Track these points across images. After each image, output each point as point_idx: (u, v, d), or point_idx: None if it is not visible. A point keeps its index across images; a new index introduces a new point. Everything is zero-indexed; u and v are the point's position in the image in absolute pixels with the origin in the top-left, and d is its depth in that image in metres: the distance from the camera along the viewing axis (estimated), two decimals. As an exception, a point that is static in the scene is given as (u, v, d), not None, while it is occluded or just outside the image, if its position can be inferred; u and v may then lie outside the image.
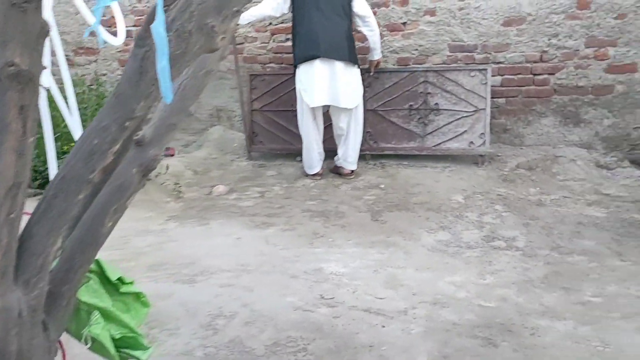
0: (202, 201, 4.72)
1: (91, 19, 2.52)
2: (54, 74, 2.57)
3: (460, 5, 5.22)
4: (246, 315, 3.00)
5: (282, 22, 5.66)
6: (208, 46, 1.28)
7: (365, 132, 5.17)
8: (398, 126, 5.22)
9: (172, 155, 5.63)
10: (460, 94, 5.05)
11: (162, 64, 1.03)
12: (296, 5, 4.80)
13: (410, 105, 5.17)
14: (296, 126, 5.05)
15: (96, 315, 1.60)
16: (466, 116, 5.06)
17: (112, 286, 1.70)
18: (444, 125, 5.13)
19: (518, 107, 5.34)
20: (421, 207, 4.34)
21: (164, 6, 1.22)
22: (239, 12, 1.30)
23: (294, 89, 4.92)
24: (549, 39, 5.13)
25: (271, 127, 5.51)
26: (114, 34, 2.84)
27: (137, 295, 1.77)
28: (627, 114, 5.10)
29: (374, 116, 5.25)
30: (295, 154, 5.36)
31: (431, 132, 5.16)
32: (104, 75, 6.26)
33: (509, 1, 5.13)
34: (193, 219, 4.37)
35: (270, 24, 5.70)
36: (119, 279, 1.71)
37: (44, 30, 1.10)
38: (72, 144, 4.98)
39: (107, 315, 1.65)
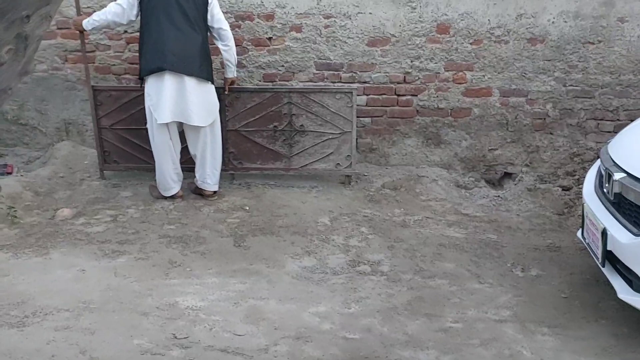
0: (43, 227, 4.18)
1: None
2: None
3: (326, 23, 5.16)
4: (84, 364, 2.63)
5: (137, 31, 5.25)
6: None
7: (228, 153, 4.91)
8: (263, 147, 5.03)
9: (10, 173, 4.98)
10: (326, 116, 4.96)
11: None
12: (144, 13, 4.36)
13: (275, 126, 4.99)
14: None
15: None
16: (332, 138, 4.98)
17: None
18: (310, 147, 5.01)
19: (383, 127, 5.37)
20: (287, 230, 4.16)
21: None
22: (29, 18, 1.01)
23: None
24: (412, 61, 5.22)
25: (125, 145, 5.04)
26: None
27: None
28: (483, 135, 5.32)
29: (237, 136, 4.99)
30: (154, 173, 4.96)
31: (297, 153, 5.04)
32: None
33: (374, 21, 5.15)
34: (30, 248, 3.84)
35: (125, 31, 5.27)
36: None
37: None
38: None
39: None
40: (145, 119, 4.56)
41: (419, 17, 5.13)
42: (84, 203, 4.64)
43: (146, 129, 4.60)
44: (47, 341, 2.76)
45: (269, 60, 5.27)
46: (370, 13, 5.15)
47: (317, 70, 5.26)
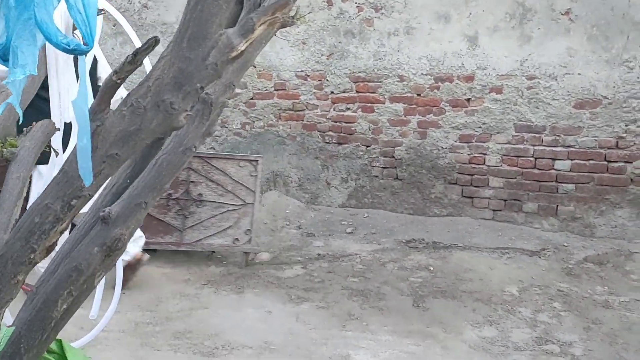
0: (243, 269, 4.59)
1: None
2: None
3: (529, 84, 4.97)
4: (257, 402, 2.79)
5: (343, 92, 5.63)
6: (167, 124, 1.16)
7: None
8: (152, 217, 4.42)
9: (223, 217, 5.59)
10: (227, 185, 4.59)
11: (83, 142, 0.91)
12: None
13: (169, 194, 4.50)
14: None
15: (46, 404, 1.45)
16: (232, 210, 4.61)
17: (73, 371, 1.55)
18: (207, 219, 4.59)
19: (590, 195, 4.93)
20: (470, 296, 3.99)
21: (117, 79, 1.12)
22: (202, 90, 1.18)
23: None
24: (627, 125, 4.75)
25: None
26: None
27: (103, 383, 1.61)
28: None
29: None
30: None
31: (192, 226, 4.57)
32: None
33: (583, 82, 4.83)
34: (229, 285, 4.24)
35: (332, 92, 5.68)
36: (81, 363, 1.56)
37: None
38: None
39: (62, 404, 1.50)
40: None
41: (637, 77, 4.68)
42: (280, 249, 5.00)
43: None
44: (229, 374, 3.00)
45: (466, 122, 5.23)
46: (579, 74, 4.85)
47: (516, 132, 5.07)
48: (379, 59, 5.47)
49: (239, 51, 1.14)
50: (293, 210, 5.71)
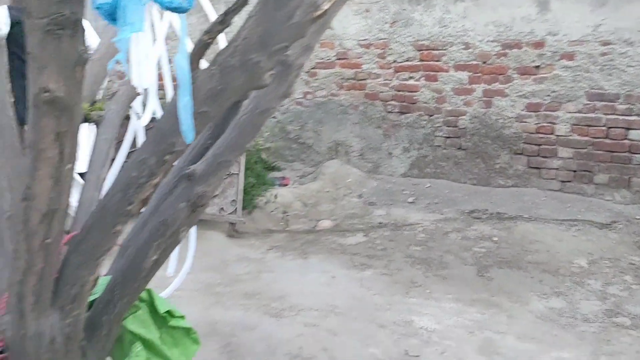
0: (306, 234, 4.69)
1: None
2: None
3: (603, 50, 4.76)
4: (324, 361, 2.88)
5: (406, 60, 5.56)
6: (253, 82, 1.21)
7: None
8: None
9: (286, 185, 5.69)
10: None
11: (184, 100, 0.96)
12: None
13: None
14: None
15: (138, 347, 1.56)
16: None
17: (161, 318, 1.66)
18: None
19: (665, 166, 4.71)
20: (536, 267, 3.93)
21: (208, 39, 1.17)
22: (287, 48, 1.21)
23: None
24: None
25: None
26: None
27: (187, 331, 1.71)
28: None
29: None
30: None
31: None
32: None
33: (662, 47, 4.59)
34: (294, 251, 4.35)
35: (395, 60, 5.62)
36: (168, 311, 1.66)
37: (83, 59, 1.09)
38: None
39: (151, 348, 1.61)
40: None
41: None
42: (342, 217, 5.06)
43: None
44: (298, 334, 3.10)
45: (534, 90, 5.07)
46: (658, 38, 4.60)
47: (587, 100, 4.88)
48: (444, 26, 5.35)
49: (323, 10, 1.17)
50: (354, 179, 5.74)
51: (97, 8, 0.99)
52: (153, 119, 4.56)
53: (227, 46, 1.17)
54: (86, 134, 2.88)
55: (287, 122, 6.32)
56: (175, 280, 2.78)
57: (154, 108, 2.50)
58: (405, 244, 4.39)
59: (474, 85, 5.30)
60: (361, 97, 5.88)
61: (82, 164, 2.01)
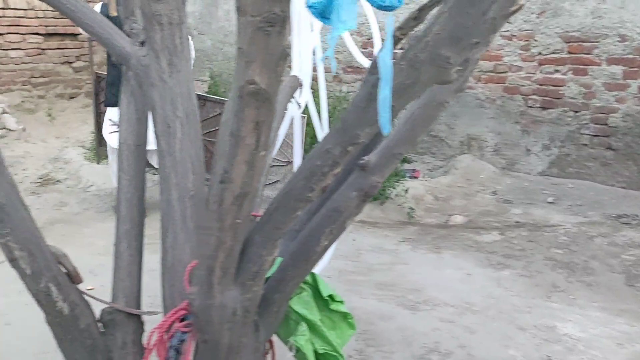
0: (438, 228, 4.64)
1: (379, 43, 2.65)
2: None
3: None
4: (462, 357, 2.86)
5: (553, 52, 5.28)
6: (440, 77, 1.22)
7: None
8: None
9: (417, 177, 5.65)
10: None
11: (385, 93, 1.00)
12: None
13: None
14: None
15: (303, 326, 1.65)
16: (279, 165, 4.68)
17: (323, 302, 1.73)
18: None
19: None
20: (696, 280, 3.60)
21: (401, 35, 1.20)
22: (478, 44, 1.21)
23: None
24: None
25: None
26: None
27: (345, 316, 1.78)
28: None
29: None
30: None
31: None
32: (367, 94, 6.60)
33: None
34: (426, 245, 4.32)
35: (540, 53, 5.35)
36: (330, 296, 1.74)
37: (285, 53, 1.16)
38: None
39: (313, 328, 1.69)
40: None
41: None
42: (475, 213, 4.94)
43: None
44: (433, 328, 3.09)
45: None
46: None
47: None
48: (598, 16, 5.01)
49: (519, 5, 1.15)
50: (488, 175, 5.58)
51: (309, 7, 1.05)
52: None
53: (417, 41, 1.19)
54: None
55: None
56: (319, 263, 2.88)
57: (307, 98, 2.61)
58: (545, 246, 4.20)
59: (628, 81, 4.93)
60: (499, 91, 5.69)
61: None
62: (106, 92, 4.93)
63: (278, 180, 5.04)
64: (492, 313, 3.27)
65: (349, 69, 6.68)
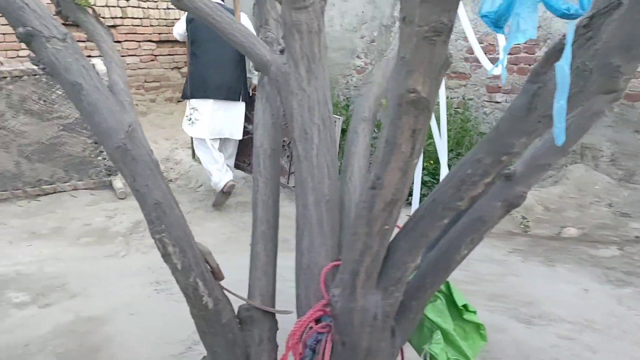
0: (550, 240, 4.46)
1: (486, 62, 2.59)
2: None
3: None
4: (584, 377, 2.73)
5: None
6: (607, 86, 1.18)
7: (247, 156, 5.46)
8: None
9: (526, 187, 5.45)
10: None
11: (560, 103, 0.98)
12: (192, 41, 5.05)
13: (284, 141, 4.91)
14: None
15: (438, 334, 1.64)
16: None
17: (457, 311, 1.72)
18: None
19: None
20: None
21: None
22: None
23: None
24: None
25: None
26: (493, 61, 2.88)
27: (478, 326, 1.75)
28: None
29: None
30: None
31: (293, 172, 4.86)
32: (471, 99, 6.47)
33: None
34: (538, 257, 4.16)
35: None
36: (464, 305, 1.72)
37: (448, 62, 1.17)
38: (431, 162, 5.30)
39: (446, 337, 1.69)
40: None
41: None
42: (590, 226, 4.70)
43: None
44: (551, 345, 2.97)
45: None
46: None
47: None
48: None
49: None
50: (603, 187, 5.29)
51: (483, 16, 1.05)
52: (247, 132, 5.30)
53: (585, 49, 1.16)
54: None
55: (529, 122, 6.05)
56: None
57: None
58: (667, 263, 3.93)
59: None
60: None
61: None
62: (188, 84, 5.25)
63: None
64: (615, 332, 3.10)
65: (453, 75, 6.58)
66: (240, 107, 5.26)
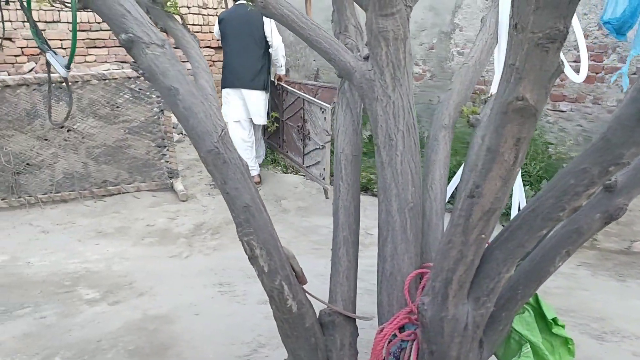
0: (620, 255, 4.31)
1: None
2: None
3: None
4: (663, 398, 2.62)
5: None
6: None
7: (279, 138, 6.24)
8: (294, 141, 5.85)
9: (592, 198, 5.29)
10: (317, 127, 5.29)
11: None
12: (223, 38, 5.81)
13: (299, 126, 5.65)
14: None
15: (528, 348, 1.61)
16: (318, 149, 5.25)
17: (545, 324, 1.68)
18: (312, 151, 5.43)
19: None
20: None
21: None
22: None
23: None
24: None
25: None
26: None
27: (566, 341, 1.70)
28: None
29: (285, 126, 6.07)
30: None
31: (306, 153, 5.58)
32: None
33: None
34: (608, 271, 4.03)
35: None
36: (554, 319, 1.67)
37: (558, 70, 1.15)
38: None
39: (534, 351, 1.65)
40: None
41: None
42: (663, 240, 4.51)
43: None
44: (626, 362, 2.87)
45: None
46: None
47: None
48: None
49: None
50: (674, 200, 5.08)
51: (605, 23, 1.03)
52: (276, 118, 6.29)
53: None
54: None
55: (594, 131, 5.86)
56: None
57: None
58: None
59: None
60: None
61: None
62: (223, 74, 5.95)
63: (319, 162, 5.64)
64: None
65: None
66: (262, 95, 5.87)
